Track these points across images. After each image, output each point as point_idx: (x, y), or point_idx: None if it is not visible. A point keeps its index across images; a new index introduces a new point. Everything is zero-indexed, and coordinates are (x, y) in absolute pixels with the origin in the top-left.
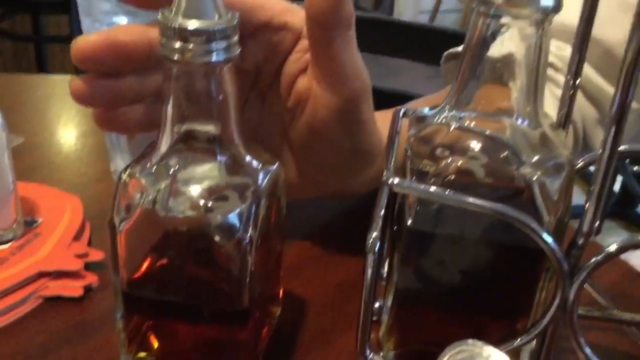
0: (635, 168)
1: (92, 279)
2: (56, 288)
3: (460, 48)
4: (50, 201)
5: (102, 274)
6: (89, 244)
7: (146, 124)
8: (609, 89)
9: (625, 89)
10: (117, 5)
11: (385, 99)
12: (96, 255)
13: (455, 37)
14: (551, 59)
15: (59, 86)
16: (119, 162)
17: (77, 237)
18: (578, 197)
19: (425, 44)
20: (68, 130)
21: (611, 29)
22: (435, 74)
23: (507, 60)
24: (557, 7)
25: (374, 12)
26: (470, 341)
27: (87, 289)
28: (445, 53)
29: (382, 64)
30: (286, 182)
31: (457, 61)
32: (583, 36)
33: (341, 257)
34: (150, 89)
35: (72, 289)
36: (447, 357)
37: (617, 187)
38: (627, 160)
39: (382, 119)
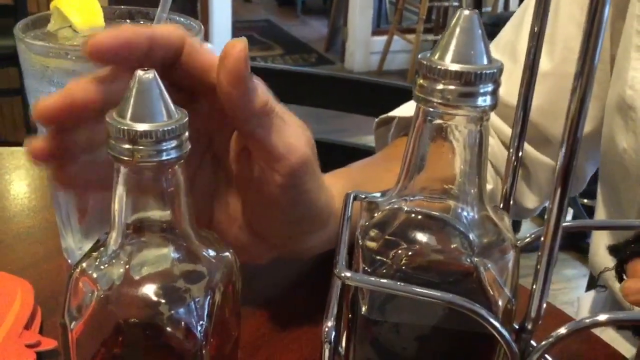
0: (585, 201)
1: None
2: None
3: (391, 113)
4: (0, 286)
5: None
6: (41, 330)
7: (103, 180)
8: (528, 148)
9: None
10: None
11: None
12: (48, 344)
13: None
14: None
15: (6, 159)
16: (70, 241)
17: (28, 325)
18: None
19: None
20: (17, 205)
21: None
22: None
23: (451, 148)
24: (494, 105)
25: (325, 53)
26: None
27: None
28: (377, 120)
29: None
30: (243, 247)
31: (387, 127)
32: (523, 115)
33: (298, 332)
34: (102, 138)
35: None
36: None
37: (568, 218)
38: (577, 194)
39: (335, 179)
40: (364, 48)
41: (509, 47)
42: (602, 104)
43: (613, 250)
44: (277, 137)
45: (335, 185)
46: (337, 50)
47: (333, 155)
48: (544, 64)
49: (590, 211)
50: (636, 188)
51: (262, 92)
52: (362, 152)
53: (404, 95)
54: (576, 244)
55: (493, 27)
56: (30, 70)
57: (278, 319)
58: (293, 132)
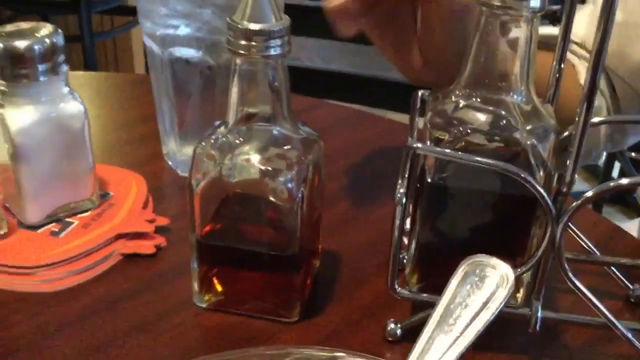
0: (633, 154)
1: (160, 239)
2: (132, 247)
3: None
4: (118, 178)
5: (168, 235)
6: (153, 212)
7: None
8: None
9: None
10: (174, 10)
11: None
12: (162, 221)
13: None
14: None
15: (107, 82)
16: (172, 145)
17: (144, 206)
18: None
19: None
20: (126, 117)
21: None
22: None
23: (506, 46)
24: (543, 8)
25: None
26: (480, 255)
27: (158, 248)
28: None
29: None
30: (414, 68)
31: None
32: (564, 36)
33: (369, 220)
34: None
35: (146, 247)
36: (462, 267)
37: (615, 174)
38: (625, 148)
39: None
40: None
41: None
42: None
43: None
44: None
45: None
46: None
47: (373, 89)
48: (617, 16)
49: (638, 165)
50: None
51: None
52: (402, 86)
53: None
54: (622, 198)
55: None
56: (144, 14)
57: (352, 209)
58: None
